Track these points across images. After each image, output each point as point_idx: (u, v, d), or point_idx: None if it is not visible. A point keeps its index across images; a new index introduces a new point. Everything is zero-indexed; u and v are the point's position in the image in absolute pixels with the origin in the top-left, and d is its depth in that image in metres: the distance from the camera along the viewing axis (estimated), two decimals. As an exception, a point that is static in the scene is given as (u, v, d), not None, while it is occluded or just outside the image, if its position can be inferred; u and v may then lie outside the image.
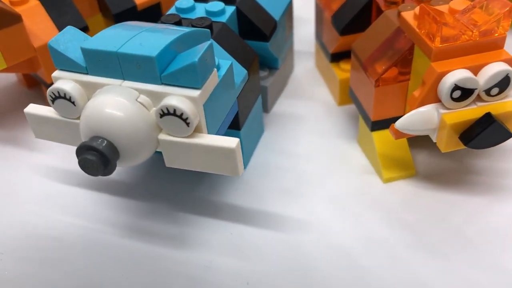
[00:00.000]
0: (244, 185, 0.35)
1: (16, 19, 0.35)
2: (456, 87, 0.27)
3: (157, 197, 0.34)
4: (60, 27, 0.38)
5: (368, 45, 0.33)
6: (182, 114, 0.26)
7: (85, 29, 0.39)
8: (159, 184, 0.35)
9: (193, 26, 0.33)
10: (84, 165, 0.26)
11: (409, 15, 0.30)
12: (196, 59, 0.25)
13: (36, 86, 0.46)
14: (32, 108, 0.30)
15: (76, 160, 0.26)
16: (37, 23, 0.37)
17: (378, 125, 0.33)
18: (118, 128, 0.26)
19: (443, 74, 0.28)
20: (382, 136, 0.34)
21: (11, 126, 0.42)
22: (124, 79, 0.27)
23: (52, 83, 0.39)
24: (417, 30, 0.29)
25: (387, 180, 0.33)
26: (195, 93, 0.26)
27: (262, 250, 0.31)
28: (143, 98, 0.27)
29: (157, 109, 0.26)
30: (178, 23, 0.33)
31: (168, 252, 0.31)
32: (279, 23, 0.38)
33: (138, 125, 0.26)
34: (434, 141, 0.30)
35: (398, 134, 0.30)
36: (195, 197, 0.34)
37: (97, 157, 0.25)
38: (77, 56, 0.28)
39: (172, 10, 0.35)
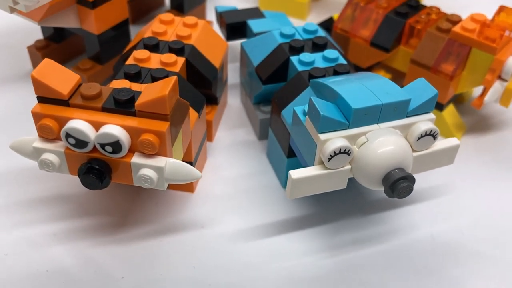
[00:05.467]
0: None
1: (187, 107, 0.36)
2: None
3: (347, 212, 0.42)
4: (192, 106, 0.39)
5: (428, 55, 0.47)
6: (434, 132, 0.36)
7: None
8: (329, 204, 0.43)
9: (336, 72, 0.41)
10: (404, 191, 0.33)
11: (459, 29, 0.45)
12: (436, 91, 0.35)
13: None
14: (299, 173, 0.34)
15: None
16: (180, 107, 0.38)
17: (445, 106, 0.49)
18: (407, 158, 0.34)
19: (504, 61, 0.44)
20: (447, 112, 0.49)
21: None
22: (378, 122, 0.35)
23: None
24: (476, 38, 0.45)
25: (458, 139, 0.49)
26: (432, 115, 0.36)
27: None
28: (399, 132, 0.35)
29: (417, 135, 0.35)
30: (324, 75, 0.41)
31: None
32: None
33: (410, 152, 0.35)
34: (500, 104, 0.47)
35: (481, 106, 0.46)
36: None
37: (410, 182, 0.33)
38: (337, 116, 0.34)
39: (298, 65, 0.42)
